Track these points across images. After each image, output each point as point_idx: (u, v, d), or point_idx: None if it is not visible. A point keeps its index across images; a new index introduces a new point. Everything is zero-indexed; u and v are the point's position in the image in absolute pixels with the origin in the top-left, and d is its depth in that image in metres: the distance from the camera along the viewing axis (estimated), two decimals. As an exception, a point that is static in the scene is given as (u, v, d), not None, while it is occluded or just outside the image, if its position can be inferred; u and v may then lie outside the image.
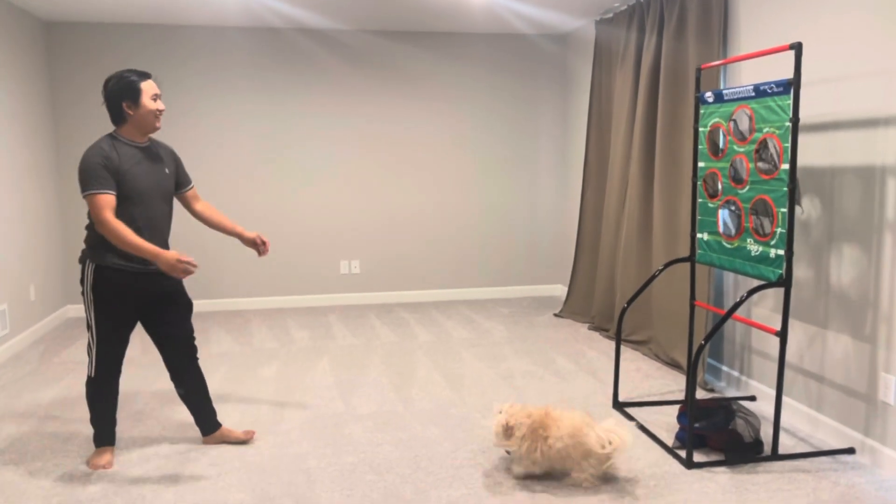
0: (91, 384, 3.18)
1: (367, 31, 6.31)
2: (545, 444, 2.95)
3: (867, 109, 3.20)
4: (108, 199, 2.95)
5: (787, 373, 3.72)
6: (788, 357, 3.71)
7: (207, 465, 3.20)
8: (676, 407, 3.86)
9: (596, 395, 4.08)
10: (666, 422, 3.68)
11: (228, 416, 3.74)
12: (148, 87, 3.06)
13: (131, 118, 3.06)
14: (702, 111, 3.68)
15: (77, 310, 6.14)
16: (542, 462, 2.98)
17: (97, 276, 3.06)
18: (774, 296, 3.84)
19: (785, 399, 3.72)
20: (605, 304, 5.58)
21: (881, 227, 3.15)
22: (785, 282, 3.14)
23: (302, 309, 6.45)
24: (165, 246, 3.19)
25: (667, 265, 3.88)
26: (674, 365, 4.59)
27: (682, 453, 3.23)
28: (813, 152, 3.53)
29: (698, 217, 3.76)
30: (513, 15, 5.82)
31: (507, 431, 2.98)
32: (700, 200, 3.74)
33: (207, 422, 3.42)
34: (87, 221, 3.12)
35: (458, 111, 6.59)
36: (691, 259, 3.86)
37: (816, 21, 3.47)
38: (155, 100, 3.08)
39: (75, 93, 5.97)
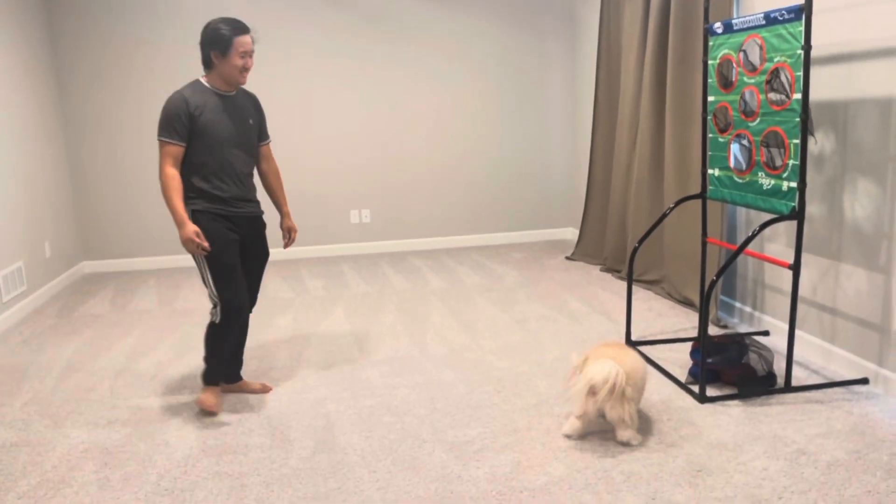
0: (213, 327, 3.20)
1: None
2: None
3: (885, 37, 3.12)
4: (172, 150, 3.06)
5: (800, 306, 3.72)
6: (801, 291, 3.71)
7: (228, 410, 3.26)
8: (689, 344, 3.88)
9: (609, 335, 4.11)
10: (679, 358, 3.70)
11: (246, 364, 3.79)
12: (239, 43, 3.07)
13: (216, 67, 3.12)
14: (711, 43, 3.60)
15: (92, 265, 6.19)
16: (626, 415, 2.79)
17: (195, 222, 3.09)
18: (787, 232, 3.81)
19: (798, 332, 3.73)
20: (617, 245, 5.57)
21: (896, 156, 3.10)
22: (798, 214, 3.11)
23: (315, 259, 6.48)
24: (246, 194, 3.23)
25: (678, 203, 3.86)
26: (686, 303, 4.60)
27: (696, 388, 3.26)
28: (826, 85, 3.46)
29: (709, 153, 3.72)
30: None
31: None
32: (710, 135, 3.69)
33: (232, 372, 3.46)
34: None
35: (465, 56, 6.49)
36: (703, 196, 3.83)
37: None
38: (244, 57, 3.09)
39: (77, 41, 5.90)
